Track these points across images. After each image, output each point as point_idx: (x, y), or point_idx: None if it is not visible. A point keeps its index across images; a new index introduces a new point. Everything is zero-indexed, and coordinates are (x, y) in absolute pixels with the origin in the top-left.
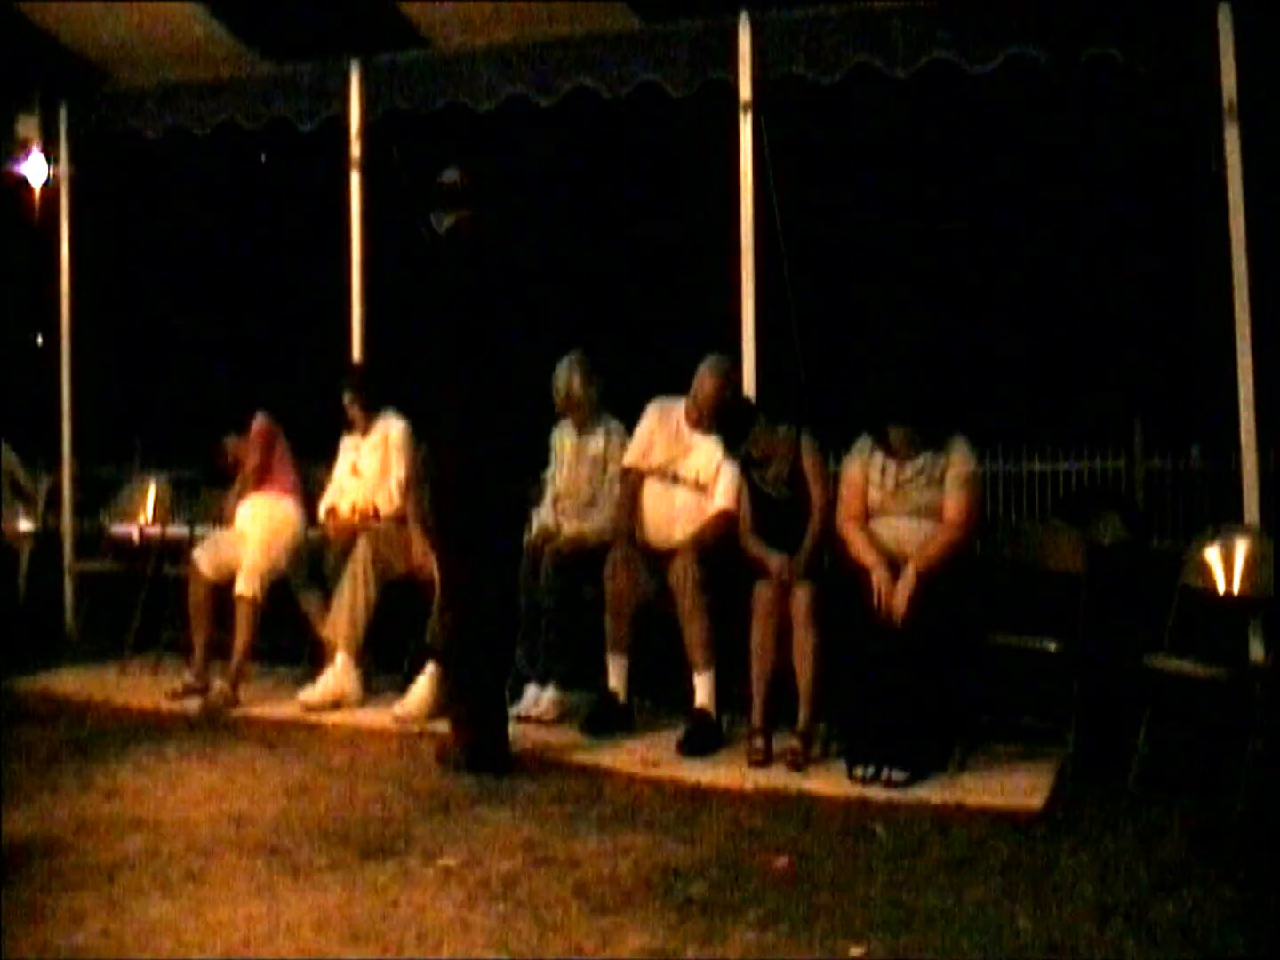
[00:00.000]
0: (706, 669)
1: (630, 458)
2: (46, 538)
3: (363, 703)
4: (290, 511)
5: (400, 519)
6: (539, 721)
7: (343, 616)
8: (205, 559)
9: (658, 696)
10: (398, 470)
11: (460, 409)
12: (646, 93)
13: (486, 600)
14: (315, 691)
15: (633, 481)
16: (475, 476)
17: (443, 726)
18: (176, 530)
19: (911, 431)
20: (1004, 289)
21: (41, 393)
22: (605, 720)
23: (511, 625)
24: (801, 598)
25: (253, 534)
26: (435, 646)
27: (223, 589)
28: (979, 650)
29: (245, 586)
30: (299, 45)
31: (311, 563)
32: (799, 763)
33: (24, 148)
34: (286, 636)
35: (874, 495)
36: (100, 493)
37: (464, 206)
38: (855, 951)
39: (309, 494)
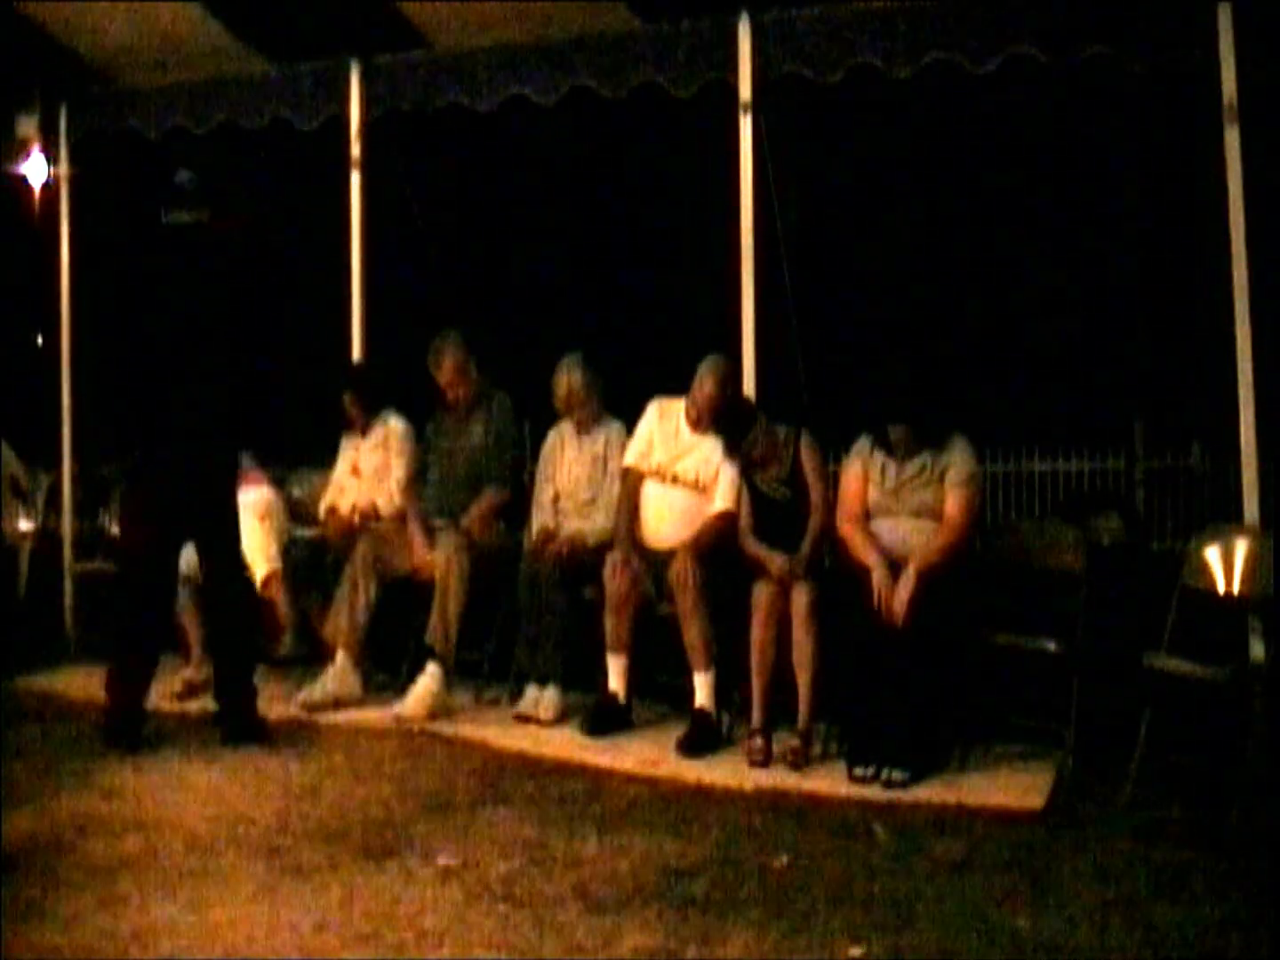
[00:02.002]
0: (706, 669)
1: (630, 458)
2: (46, 538)
3: (363, 703)
4: (268, 495)
5: (400, 519)
6: (539, 721)
7: (343, 616)
8: (186, 557)
9: (658, 696)
10: (398, 470)
11: (158, 403)
12: (646, 93)
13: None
14: (315, 691)
15: (632, 482)
16: (164, 470)
17: (443, 727)
18: None
19: (911, 431)
20: (1004, 289)
21: (41, 393)
22: (605, 720)
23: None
24: (801, 598)
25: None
26: (435, 646)
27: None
28: (979, 650)
29: (265, 566)
30: (299, 45)
31: (311, 563)
32: (799, 763)
33: (24, 148)
34: None
35: (874, 495)
36: (100, 493)
37: (196, 209)
38: (855, 951)
39: (309, 495)
